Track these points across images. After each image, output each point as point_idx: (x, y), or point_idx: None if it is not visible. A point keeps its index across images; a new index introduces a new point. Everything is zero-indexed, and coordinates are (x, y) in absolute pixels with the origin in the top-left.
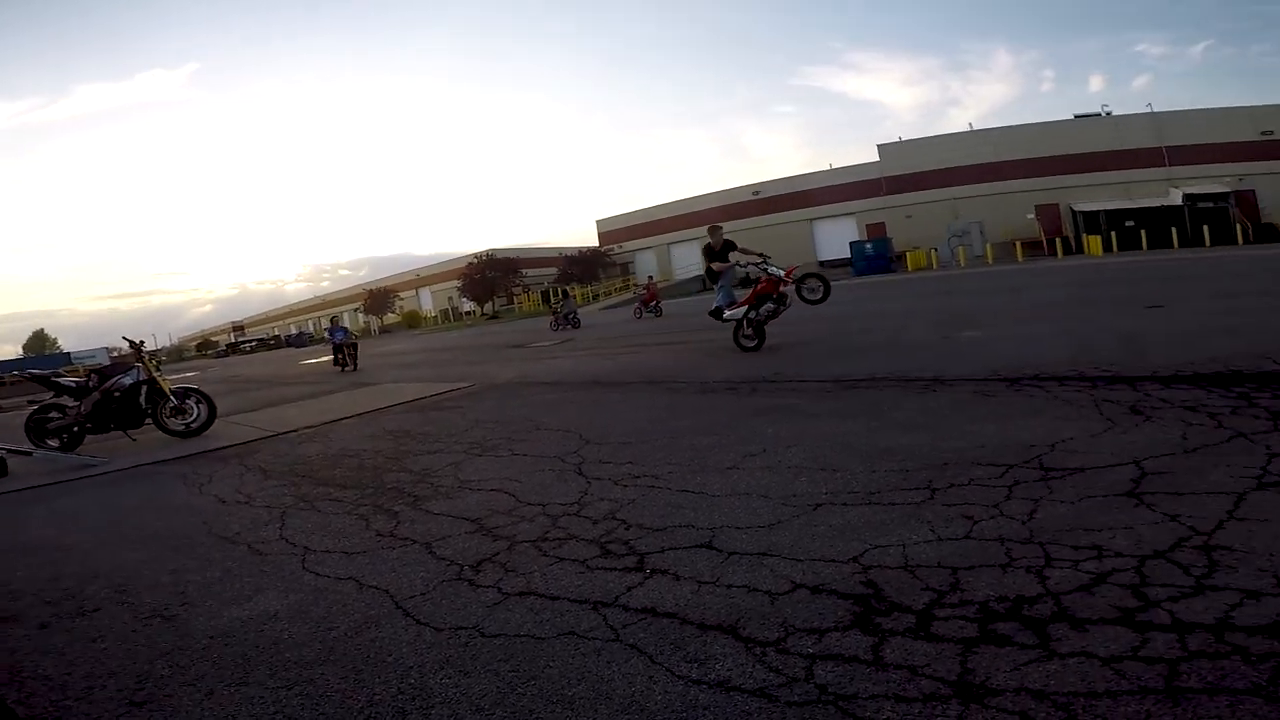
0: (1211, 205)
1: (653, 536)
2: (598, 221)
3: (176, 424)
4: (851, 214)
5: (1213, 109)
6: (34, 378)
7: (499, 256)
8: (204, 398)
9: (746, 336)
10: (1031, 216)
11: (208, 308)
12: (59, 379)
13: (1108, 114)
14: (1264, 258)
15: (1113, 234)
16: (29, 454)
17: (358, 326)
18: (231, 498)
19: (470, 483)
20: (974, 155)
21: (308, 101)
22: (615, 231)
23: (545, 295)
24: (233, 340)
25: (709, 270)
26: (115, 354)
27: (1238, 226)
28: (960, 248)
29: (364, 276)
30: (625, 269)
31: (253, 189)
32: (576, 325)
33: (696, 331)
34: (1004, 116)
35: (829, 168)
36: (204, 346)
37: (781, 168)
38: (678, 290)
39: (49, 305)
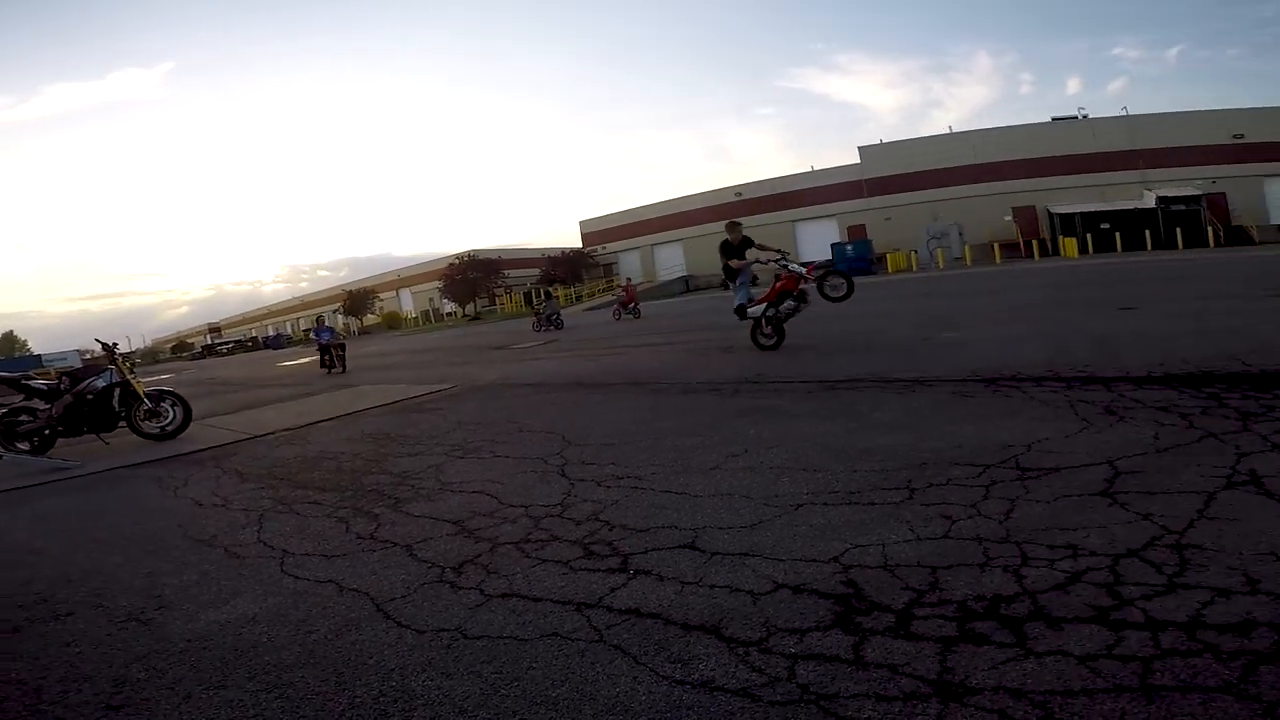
0: (1184, 208)
1: (636, 537)
2: (581, 222)
3: (151, 427)
4: (833, 215)
5: (1186, 112)
6: (3, 380)
7: (481, 257)
8: (179, 400)
9: (765, 335)
10: (1009, 219)
11: (183, 309)
12: (29, 381)
13: (1084, 116)
14: (1234, 260)
15: (1088, 236)
16: None
17: (337, 327)
18: (208, 501)
19: (452, 485)
20: (953, 157)
21: (287, 101)
22: (599, 232)
23: (528, 296)
24: (209, 342)
25: (726, 267)
26: (88, 356)
27: (1209, 229)
28: (939, 250)
29: (344, 277)
30: (609, 270)
31: (230, 189)
32: (559, 326)
33: (680, 333)
34: (984, 119)
35: (811, 169)
36: (179, 348)
37: (764, 169)
38: (660, 292)
39: (19, 307)
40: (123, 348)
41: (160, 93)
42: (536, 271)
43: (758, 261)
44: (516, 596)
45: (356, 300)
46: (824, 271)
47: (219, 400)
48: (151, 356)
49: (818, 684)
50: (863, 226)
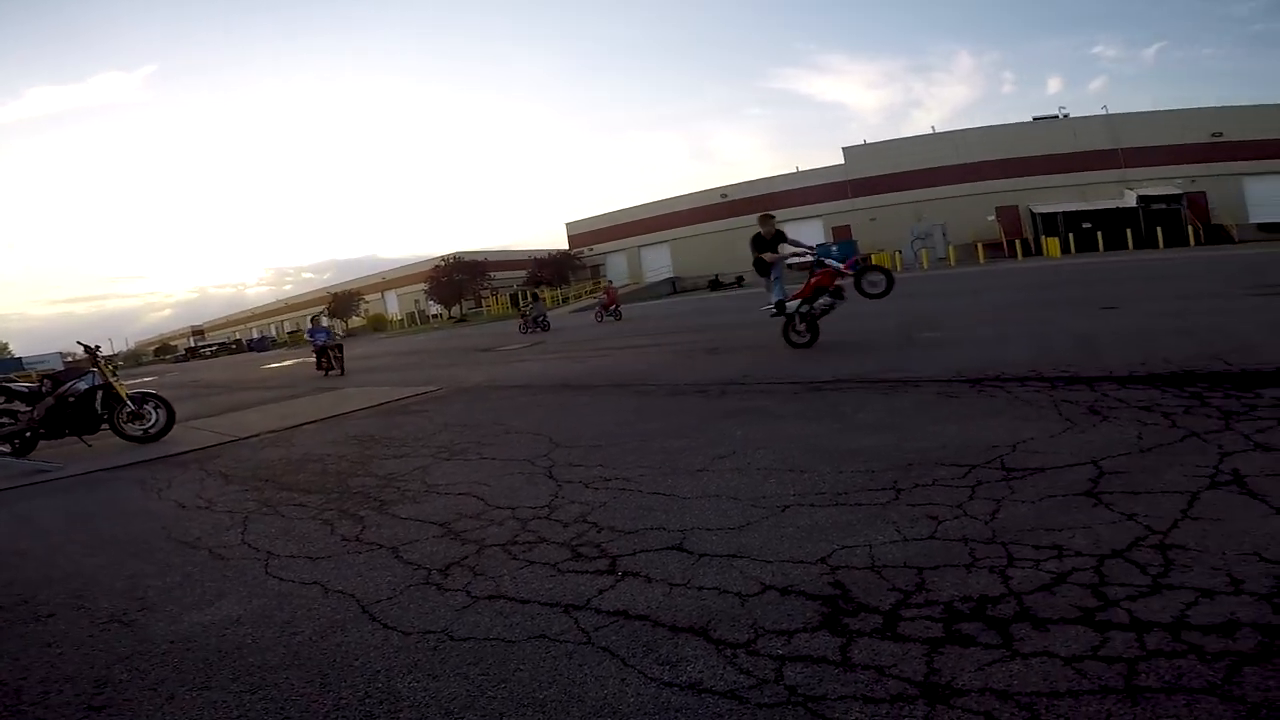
0: (1164, 207)
1: (624, 539)
2: (567, 224)
3: (134, 429)
4: (818, 216)
5: (1165, 111)
6: None
7: (467, 259)
8: (162, 402)
9: (798, 332)
10: (992, 219)
11: (166, 312)
12: (11, 384)
13: (1065, 116)
14: (1214, 259)
15: (1070, 235)
16: None
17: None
18: (192, 503)
19: (438, 487)
20: (936, 158)
21: (272, 103)
22: (585, 234)
23: (514, 298)
24: (192, 345)
25: (758, 261)
26: (70, 359)
27: (1189, 228)
28: (923, 250)
29: (329, 280)
30: (595, 272)
31: (214, 191)
32: (546, 328)
33: (667, 335)
34: (965, 118)
35: (796, 170)
36: (162, 351)
37: (749, 170)
38: (647, 293)
39: (0, 309)
40: (105, 350)
41: (142, 95)
42: (523, 273)
43: (794, 255)
44: (503, 598)
45: (341, 302)
46: (862, 267)
47: (202, 403)
48: (134, 359)
49: (805, 686)
50: (848, 227)
